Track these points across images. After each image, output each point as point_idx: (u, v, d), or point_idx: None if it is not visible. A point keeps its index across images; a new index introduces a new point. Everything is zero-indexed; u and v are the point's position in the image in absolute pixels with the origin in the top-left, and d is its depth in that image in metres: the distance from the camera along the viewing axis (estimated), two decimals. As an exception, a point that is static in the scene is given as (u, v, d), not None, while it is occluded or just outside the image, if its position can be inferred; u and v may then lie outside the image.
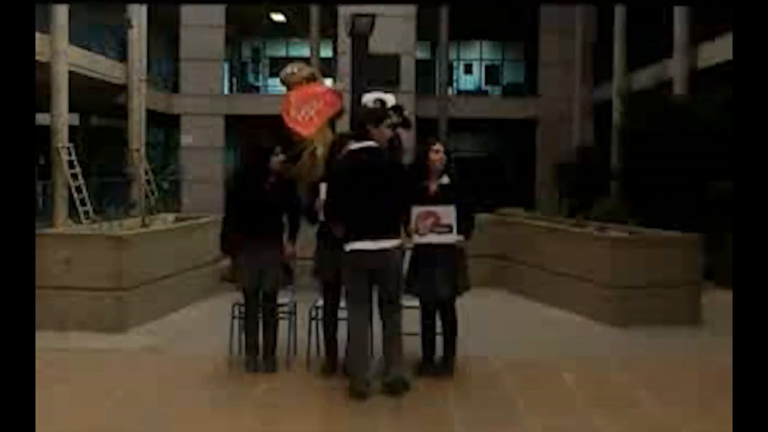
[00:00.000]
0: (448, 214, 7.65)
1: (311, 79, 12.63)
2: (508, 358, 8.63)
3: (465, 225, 7.75)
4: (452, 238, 7.65)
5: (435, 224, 7.64)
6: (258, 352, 8.06)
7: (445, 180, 7.88)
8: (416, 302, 8.00)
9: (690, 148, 16.54)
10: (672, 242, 11.06)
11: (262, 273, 7.87)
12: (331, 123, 12.42)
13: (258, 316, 8.05)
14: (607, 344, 9.62)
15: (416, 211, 7.68)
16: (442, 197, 7.75)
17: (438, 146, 7.96)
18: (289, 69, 12.21)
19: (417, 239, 7.71)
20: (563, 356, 8.85)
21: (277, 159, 7.97)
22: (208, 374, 7.93)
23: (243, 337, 8.16)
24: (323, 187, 7.80)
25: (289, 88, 10.38)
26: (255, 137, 8.39)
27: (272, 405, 7.11)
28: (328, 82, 13.07)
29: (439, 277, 7.69)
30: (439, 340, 8.04)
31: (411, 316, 8.00)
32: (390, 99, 13.77)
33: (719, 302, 10.74)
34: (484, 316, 10.41)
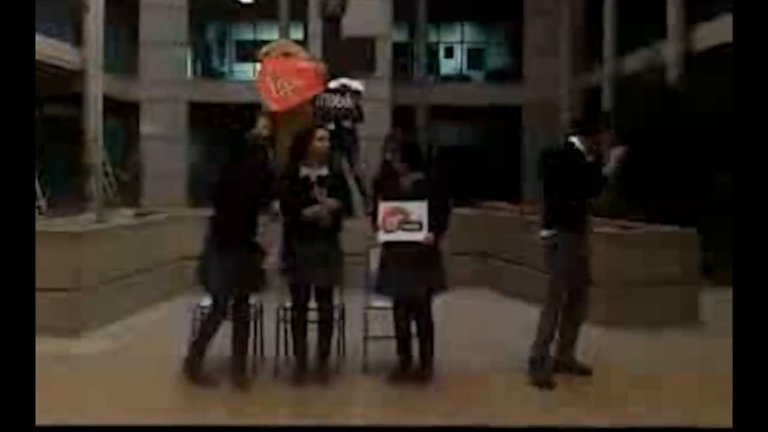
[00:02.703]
0: (417, 210, 7.65)
1: (289, 54, 12.57)
2: (491, 361, 8.68)
3: (438, 222, 7.76)
4: (421, 235, 7.64)
5: (403, 221, 7.65)
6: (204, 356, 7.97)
7: (419, 175, 7.85)
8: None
9: (687, 138, 16.58)
10: (668, 239, 11.07)
11: (239, 274, 7.76)
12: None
13: (224, 321, 7.97)
14: (600, 346, 9.61)
15: (383, 207, 7.72)
16: (415, 193, 7.76)
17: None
18: (265, 48, 12.22)
19: (383, 237, 7.74)
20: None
21: (275, 155, 7.90)
22: (170, 379, 7.87)
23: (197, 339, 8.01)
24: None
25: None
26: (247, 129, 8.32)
27: (238, 408, 7.12)
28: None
29: (412, 277, 7.71)
30: (415, 343, 8.04)
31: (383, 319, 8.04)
32: (356, 85, 13.82)
33: (718, 301, 10.76)
34: (464, 316, 10.41)
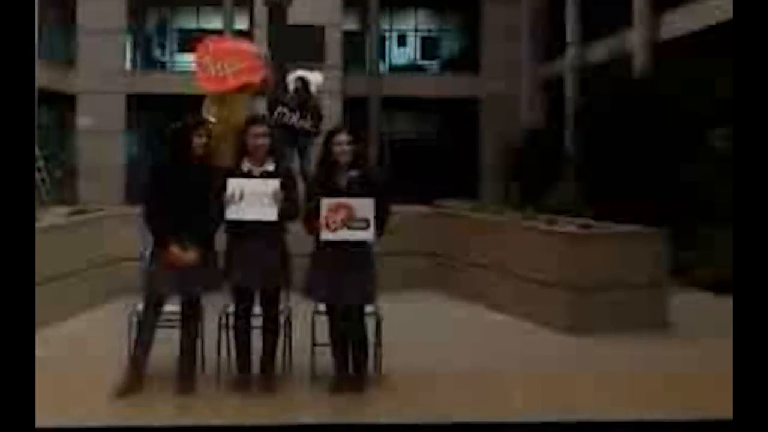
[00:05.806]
0: (364, 206, 7.53)
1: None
2: (443, 371, 8.62)
3: (376, 222, 7.63)
4: (368, 234, 7.57)
5: (348, 218, 7.53)
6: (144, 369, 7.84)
7: (354, 173, 7.78)
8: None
9: (653, 129, 16.64)
10: (633, 238, 11.04)
11: (183, 275, 7.63)
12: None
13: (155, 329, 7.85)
14: (559, 354, 9.60)
15: (326, 202, 7.57)
16: (353, 190, 7.67)
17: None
18: None
19: (326, 236, 7.59)
20: (509, 369, 8.82)
21: (200, 141, 7.72)
22: (105, 390, 7.70)
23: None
24: (230, 182, 7.62)
25: None
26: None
27: (177, 423, 7.04)
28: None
29: (347, 280, 7.65)
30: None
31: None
32: (315, 78, 13.74)
33: (686, 304, 10.79)
34: (415, 322, 10.37)
